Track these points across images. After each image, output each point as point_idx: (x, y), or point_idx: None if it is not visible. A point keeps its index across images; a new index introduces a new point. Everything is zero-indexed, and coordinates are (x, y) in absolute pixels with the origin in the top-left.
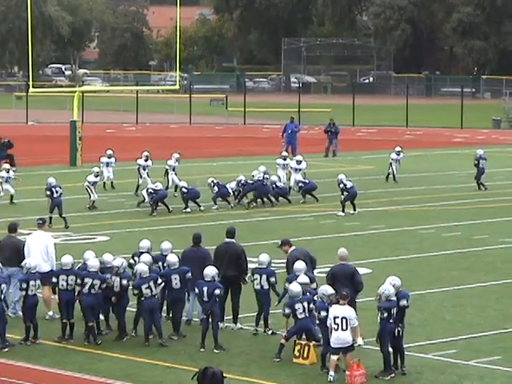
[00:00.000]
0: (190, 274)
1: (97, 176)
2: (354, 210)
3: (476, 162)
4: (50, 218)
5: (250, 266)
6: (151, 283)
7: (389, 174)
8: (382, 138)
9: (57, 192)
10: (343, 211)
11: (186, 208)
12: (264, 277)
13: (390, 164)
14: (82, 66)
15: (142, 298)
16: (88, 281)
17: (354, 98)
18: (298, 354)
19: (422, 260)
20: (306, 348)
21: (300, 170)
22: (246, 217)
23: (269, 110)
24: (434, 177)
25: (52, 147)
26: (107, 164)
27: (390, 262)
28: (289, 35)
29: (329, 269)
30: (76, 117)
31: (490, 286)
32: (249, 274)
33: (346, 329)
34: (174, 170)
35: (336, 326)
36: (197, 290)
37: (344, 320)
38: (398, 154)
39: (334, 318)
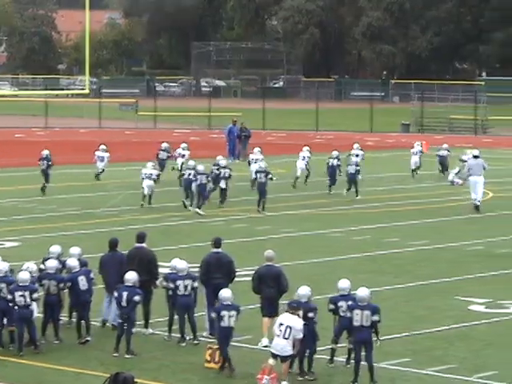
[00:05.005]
0: (92, 275)
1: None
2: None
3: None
4: None
5: (162, 270)
6: (26, 293)
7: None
8: (293, 142)
9: None
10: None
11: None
12: (189, 282)
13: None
14: None
15: (16, 307)
16: None
17: (265, 102)
18: (209, 359)
19: (333, 263)
20: (218, 352)
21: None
22: (158, 221)
23: (179, 114)
24: (344, 180)
25: None
26: (101, 158)
27: (300, 266)
28: (199, 39)
29: (253, 272)
30: None
31: (399, 288)
32: (160, 279)
33: (288, 338)
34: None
35: (279, 333)
36: (116, 294)
37: (288, 329)
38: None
39: (280, 324)
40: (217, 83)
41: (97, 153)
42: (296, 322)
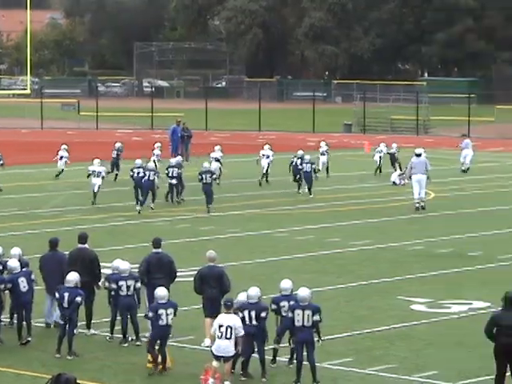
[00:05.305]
0: (34, 276)
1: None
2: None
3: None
4: None
5: (104, 271)
6: None
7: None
8: (236, 142)
9: None
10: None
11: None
12: (132, 282)
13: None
14: None
15: None
16: None
17: (207, 102)
18: (151, 359)
19: (277, 263)
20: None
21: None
22: (103, 221)
23: (121, 114)
24: (287, 180)
25: None
26: (61, 157)
27: (246, 266)
28: (141, 39)
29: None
30: None
31: (341, 288)
32: (102, 280)
33: (230, 338)
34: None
35: (220, 334)
36: (57, 295)
37: (229, 329)
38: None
39: (219, 326)
40: (159, 83)
41: (60, 152)
42: (235, 321)
